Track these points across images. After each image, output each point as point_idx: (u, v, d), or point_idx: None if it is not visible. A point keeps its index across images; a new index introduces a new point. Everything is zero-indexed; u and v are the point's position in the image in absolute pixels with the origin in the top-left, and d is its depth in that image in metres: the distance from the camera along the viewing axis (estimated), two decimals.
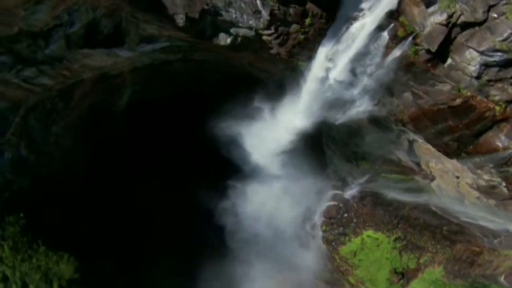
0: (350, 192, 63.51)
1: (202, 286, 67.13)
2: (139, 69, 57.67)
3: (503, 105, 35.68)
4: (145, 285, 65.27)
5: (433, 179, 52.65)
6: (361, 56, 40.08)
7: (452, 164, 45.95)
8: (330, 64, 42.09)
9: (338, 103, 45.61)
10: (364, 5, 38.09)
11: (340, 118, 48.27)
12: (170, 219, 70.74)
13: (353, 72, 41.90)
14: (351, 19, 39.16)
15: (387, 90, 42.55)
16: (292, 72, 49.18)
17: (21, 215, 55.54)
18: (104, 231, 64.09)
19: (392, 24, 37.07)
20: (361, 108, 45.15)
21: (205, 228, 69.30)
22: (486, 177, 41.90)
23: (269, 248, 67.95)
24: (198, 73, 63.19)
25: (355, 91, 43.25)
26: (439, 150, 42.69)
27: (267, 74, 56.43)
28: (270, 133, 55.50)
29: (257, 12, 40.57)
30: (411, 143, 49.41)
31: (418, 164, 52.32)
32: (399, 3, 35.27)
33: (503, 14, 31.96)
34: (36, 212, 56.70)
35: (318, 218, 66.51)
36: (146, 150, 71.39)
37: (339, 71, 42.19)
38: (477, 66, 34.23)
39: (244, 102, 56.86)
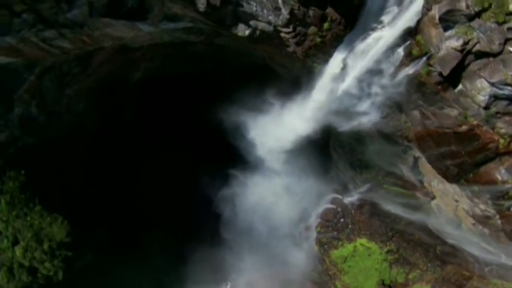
0: (350, 199, 63.29)
1: (191, 268, 67.39)
2: (159, 45, 57.64)
3: (508, 139, 35.19)
4: (135, 259, 65.61)
5: (433, 198, 52.34)
6: (375, 67, 39.52)
7: (452, 187, 45.57)
8: (343, 71, 41.64)
9: (346, 111, 45.25)
10: (384, 18, 37.68)
11: (346, 126, 47.85)
12: (168, 199, 71.07)
13: (364, 82, 41.36)
14: (369, 30, 38.74)
15: (397, 105, 42.26)
16: (307, 73, 48.88)
17: (22, 172, 56.16)
18: (101, 200, 64.61)
19: (408, 42, 36.65)
20: (369, 119, 44.78)
21: (201, 213, 69.61)
22: (482, 207, 41.56)
23: (262, 243, 68.13)
24: (218, 58, 63.13)
25: (364, 102, 42.82)
26: (439, 173, 42.38)
27: (285, 70, 56.24)
28: (276, 129, 55.27)
29: (277, 9, 40.35)
30: (416, 159, 49.07)
31: (421, 181, 51.98)
32: (418, 22, 34.75)
33: None
34: (37, 171, 57.40)
35: (314, 220, 66.28)
36: (154, 125, 71.35)
37: (350, 80, 41.76)
38: (486, 96, 33.71)
39: (257, 94, 56.67)
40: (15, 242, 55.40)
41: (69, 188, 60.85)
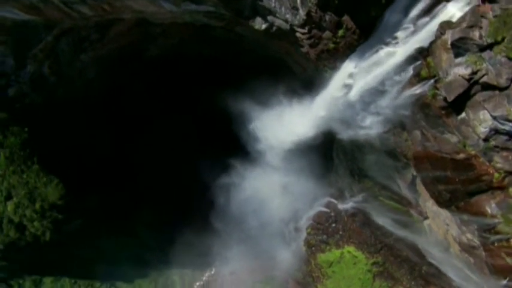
0: (344, 205, 63.15)
1: (177, 249, 67.84)
2: (180, 25, 57.69)
3: (503, 175, 34.87)
4: (122, 231, 66.32)
5: (426, 218, 52.18)
6: (383, 82, 39.26)
7: (444, 211, 45.33)
8: (351, 81, 41.42)
9: (348, 121, 45.12)
10: (399, 34, 37.36)
11: (347, 134, 47.73)
12: (165, 179, 71.37)
13: (370, 95, 41.15)
14: (382, 43, 38.38)
15: (400, 123, 41.98)
16: (319, 76, 48.74)
17: (26, 129, 56.56)
18: (98, 169, 64.95)
19: (419, 62, 36.37)
20: (370, 132, 44.54)
21: (195, 197, 69.75)
22: (469, 236, 41.37)
23: (251, 236, 68.31)
24: (236, 46, 63.01)
25: (368, 115, 42.64)
26: (432, 196, 42.21)
27: (301, 68, 56.05)
28: (279, 127, 55.26)
29: (295, 8, 40.13)
30: (415, 177, 48.83)
31: (417, 200, 51.73)
32: (431, 44, 34.38)
33: None
34: (40, 131, 57.74)
35: (305, 221, 66.32)
36: (163, 103, 71.42)
37: (357, 90, 41.55)
38: (487, 129, 33.40)
39: (268, 88, 56.65)
40: (8, 197, 56.03)
41: (69, 152, 61.16)
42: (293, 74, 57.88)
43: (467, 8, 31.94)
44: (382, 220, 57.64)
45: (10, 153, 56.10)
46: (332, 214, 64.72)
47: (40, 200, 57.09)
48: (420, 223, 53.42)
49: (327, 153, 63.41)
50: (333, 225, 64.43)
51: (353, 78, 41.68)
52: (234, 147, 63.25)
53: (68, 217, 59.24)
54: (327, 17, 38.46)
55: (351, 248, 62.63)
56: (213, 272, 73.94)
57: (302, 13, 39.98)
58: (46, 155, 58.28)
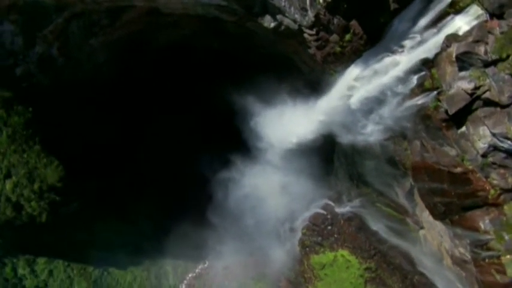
0: (341, 209, 63.18)
1: (172, 240, 68.14)
2: (191, 16, 57.69)
3: (498, 192, 34.71)
4: (119, 218, 66.65)
5: (422, 227, 52.01)
6: (386, 90, 39.15)
7: (439, 223, 45.23)
8: (354, 86, 41.32)
9: (349, 126, 45.04)
10: (406, 43, 37.17)
11: (347, 138, 47.70)
12: (165, 170, 71.51)
13: (373, 102, 41.06)
14: (389, 51, 38.20)
15: (401, 132, 41.87)
16: (325, 78, 48.69)
17: (30, 109, 56.73)
18: (99, 154, 65.05)
19: (423, 72, 36.22)
20: (371, 138, 44.48)
21: (194, 191, 69.83)
22: (461, 250, 41.23)
23: (246, 232, 68.45)
24: (246, 41, 62.86)
25: (369, 122, 42.57)
26: (427, 207, 42.12)
27: (308, 68, 55.95)
28: (281, 126, 55.24)
29: (304, 9, 40.08)
30: (413, 187, 48.66)
31: (413, 209, 51.59)
32: (436, 55, 34.23)
33: None
34: (44, 112, 57.90)
35: (301, 221, 66.38)
36: (169, 93, 71.41)
37: (360, 96, 41.45)
38: (486, 145, 33.24)
39: (274, 86, 56.79)
40: (8, 176, 56.26)
41: (72, 135, 61.31)
42: (300, 74, 57.83)
43: (474, 23, 31.71)
44: (378, 226, 57.64)
45: (13, 132, 56.25)
46: (329, 216, 64.78)
47: (39, 180, 57.24)
48: (416, 232, 53.27)
49: (328, 155, 63.43)
50: (329, 227, 64.49)
51: (357, 83, 41.45)
52: (236, 143, 63.20)
53: (65, 200, 59.37)
54: (335, 20, 38.29)
55: (345, 252, 62.69)
56: (206, 265, 74.16)
57: (311, 14, 39.90)
58: (48, 136, 58.40)
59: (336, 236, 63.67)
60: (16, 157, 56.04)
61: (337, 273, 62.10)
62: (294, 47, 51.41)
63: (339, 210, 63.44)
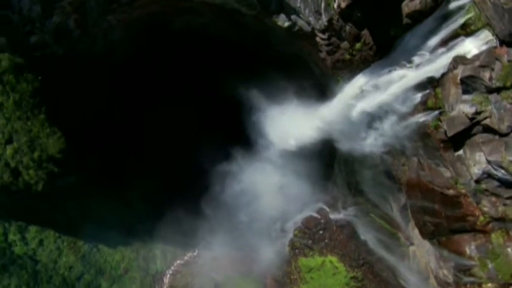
0: (335, 215, 63.17)
1: (164, 225, 68.43)
2: (210, 4, 57.51)
3: (488, 219, 34.67)
4: (114, 196, 66.97)
5: (412, 244, 51.90)
6: (389, 104, 39.07)
7: (427, 243, 45.18)
8: (360, 94, 41.25)
9: (350, 135, 45.02)
10: (415, 59, 36.89)
11: (347, 146, 47.69)
12: (167, 154, 71.64)
13: (375, 115, 41.00)
14: (396, 65, 38.00)
15: (401, 147, 41.71)
16: (333, 83, 48.67)
17: (40, 77, 56.78)
18: (102, 130, 65.13)
19: (428, 90, 36.05)
20: (370, 149, 44.46)
21: (192, 179, 69.94)
22: (445, 272, 41.17)
23: (238, 227, 68.53)
24: (262, 36, 62.68)
25: (370, 134, 42.54)
26: (416, 225, 42.10)
27: (320, 71, 55.86)
28: (283, 125, 55.27)
29: (318, 13, 40.05)
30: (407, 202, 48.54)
31: (406, 224, 51.55)
32: (442, 75, 34.06)
33: None
34: (53, 82, 57.99)
35: (294, 223, 66.50)
36: (179, 78, 71.43)
37: (363, 107, 41.39)
38: (480, 171, 33.10)
39: (282, 84, 56.59)
40: (9, 141, 56.46)
41: (78, 108, 61.46)
42: (311, 76, 57.57)
43: (484, 47, 31.49)
44: (368, 237, 57.67)
45: (19, 99, 56.42)
46: (322, 221, 64.79)
47: (40, 149, 57.40)
48: (406, 248, 53.28)
49: (329, 161, 63.37)
50: (321, 232, 64.50)
51: (361, 94, 41.33)
52: (239, 137, 63.25)
53: (63, 172, 59.47)
54: (347, 28, 38.18)
55: (334, 258, 62.67)
56: (195, 254, 74.31)
57: (324, 19, 39.88)
58: (54, 107, 58.41)
59: (326, 241, 63.64)
60: (20, 124, 56.20)
61: (323, 278, 62.06)
62: (308, 48, 51.32)
63: (333, 216, 63.42)
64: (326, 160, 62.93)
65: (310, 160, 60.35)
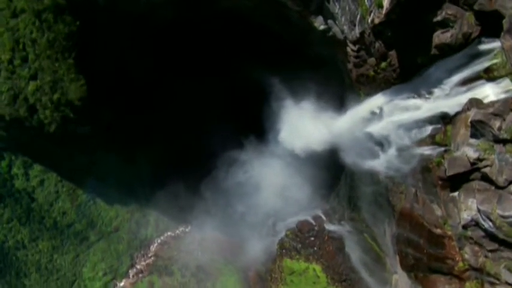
0: (330, 226, 63.02)
1: (163, 196, 69.09)
2: None
3: (466, 267, 34.21)
4: (125, 154, 67.69)
5: (396, 272, 51.60)
6: (400, 129, 38.72)
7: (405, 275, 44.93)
8: (373, 114, 40.95)
9: (359, 150, 44.85)
10: (435, 91, 36.50)
11: (351, 159, 47.53)
12: (182, 127, 71.84)
13: (385, 136, 40.70)
14: (416, 93, 37.60)
15: (402, 175, 41.37)
16: (355, 96, 48.39)
17: (77, 22, 57.37)
18: (126, 87, 65.11)
19: (439, 125, 35.54)
20: (377, 167, 44.20)
21: (197, 159, 70.12)
22: None
23: (234, 215, 68.71)
24: (305, 35, 62.14)
25: (377, 155, 42.30)
26: (398, 255, 41.99)
27: (350, 81, 55.36)
28: (296, 127, 55.12)
29: (353, 23, 39.79)
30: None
31: (395, 252, 51.16)
32: (456, 114, 33.58)
33: None
34: (89, 30, 58.57)
35: (287, 223, 66.55)
36: (209, 55, 71.41)
37: (375, 126, 41.11)
38: (469, 218, 32.58)
39: (308, 87, 56.32)
40: (34, 77, 57.35)
41: (106, 61, 61.86)
42: (339, 84, 57.10)
43: (502, 96, 30.88)
44: (354, 255, 57.24)
45: (53, 39, 57.15)
46: (316, 228, 64.77)
47: (60, 92, 58.10)
48: (390, 275, 53.05)
49: (337, 172, 62.99)
50: (312, 238, 64.50)
51: (376, 113, 41.01)
52: (252, 128, 63.05)
53: (78, 119, 60.16)
54: (377, 45, 37.82)
55: (318, 267, 62.65)
56: (186, 230, 74.91)
57: (357, 30, 39.58)
58: (84, 54, 58.95)
59: (315, 248, 63.61)
60: (47, 63, 56.98)
61: (303, 284, 62.15)
62: (341, 56, 50.94)
63: (327, 226, 63.20)
64: (335, 171, 62.60)
65: (319, 167, 60.14)
